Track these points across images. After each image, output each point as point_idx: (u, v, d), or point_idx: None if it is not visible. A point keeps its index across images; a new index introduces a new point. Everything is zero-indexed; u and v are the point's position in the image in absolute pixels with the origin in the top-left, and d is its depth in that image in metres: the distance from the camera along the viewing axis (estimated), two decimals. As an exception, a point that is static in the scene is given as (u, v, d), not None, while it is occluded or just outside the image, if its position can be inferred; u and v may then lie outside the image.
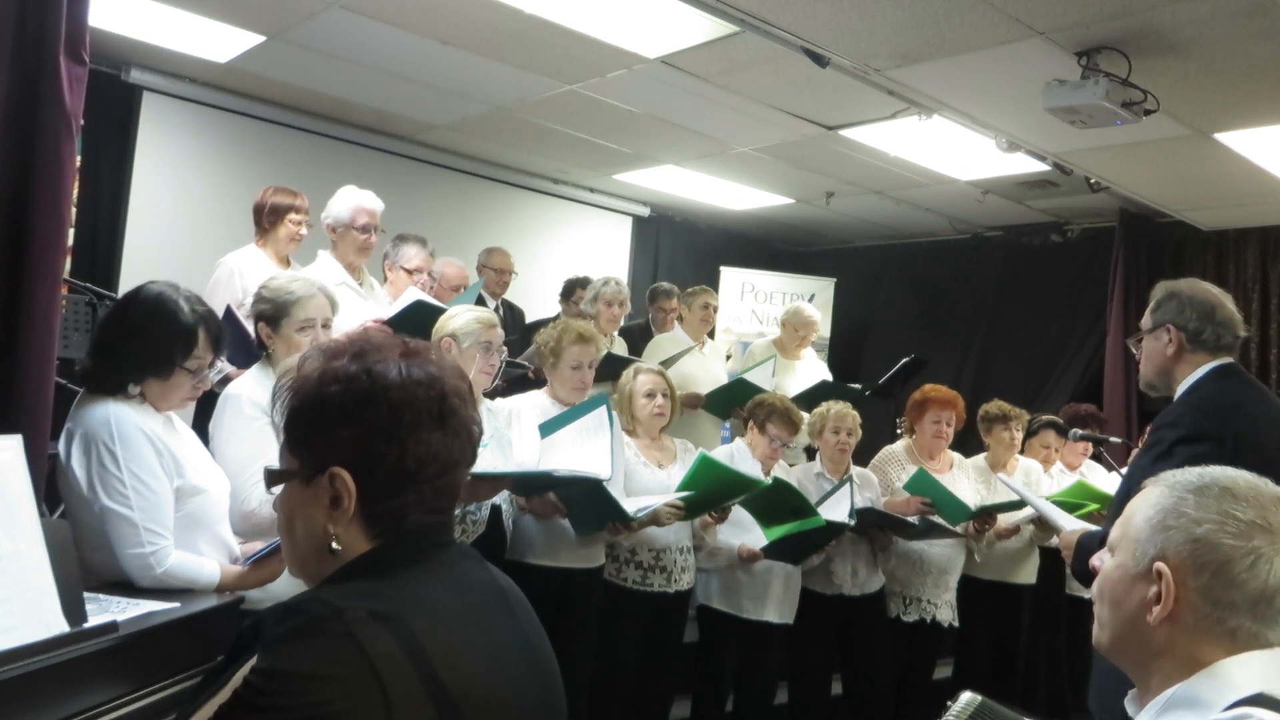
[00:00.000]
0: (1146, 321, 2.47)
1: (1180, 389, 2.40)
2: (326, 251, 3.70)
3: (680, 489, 3.20)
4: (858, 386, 4.90)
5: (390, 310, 3.44)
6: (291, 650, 1.00)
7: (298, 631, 1.01)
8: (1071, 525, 2.72)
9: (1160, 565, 1.14)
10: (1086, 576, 2.89)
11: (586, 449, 2.96)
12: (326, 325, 2.58)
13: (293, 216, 3.84)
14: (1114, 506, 2.49)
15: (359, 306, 3.54)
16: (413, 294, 3.45)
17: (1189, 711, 1.10)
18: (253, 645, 1.03)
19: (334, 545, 1.13)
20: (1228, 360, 2.40)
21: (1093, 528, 2.69)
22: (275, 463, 1.19)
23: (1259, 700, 1.06)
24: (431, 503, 1.16)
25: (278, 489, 1.18)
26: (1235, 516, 1.12)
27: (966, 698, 1.32)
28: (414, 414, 1.13)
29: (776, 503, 3.43)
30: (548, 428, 3.09)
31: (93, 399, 2.08)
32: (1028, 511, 4.01)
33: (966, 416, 4.31)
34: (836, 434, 3.87)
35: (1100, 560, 1.25)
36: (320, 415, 1.13)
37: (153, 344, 2.10)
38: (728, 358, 5.54)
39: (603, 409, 3.05)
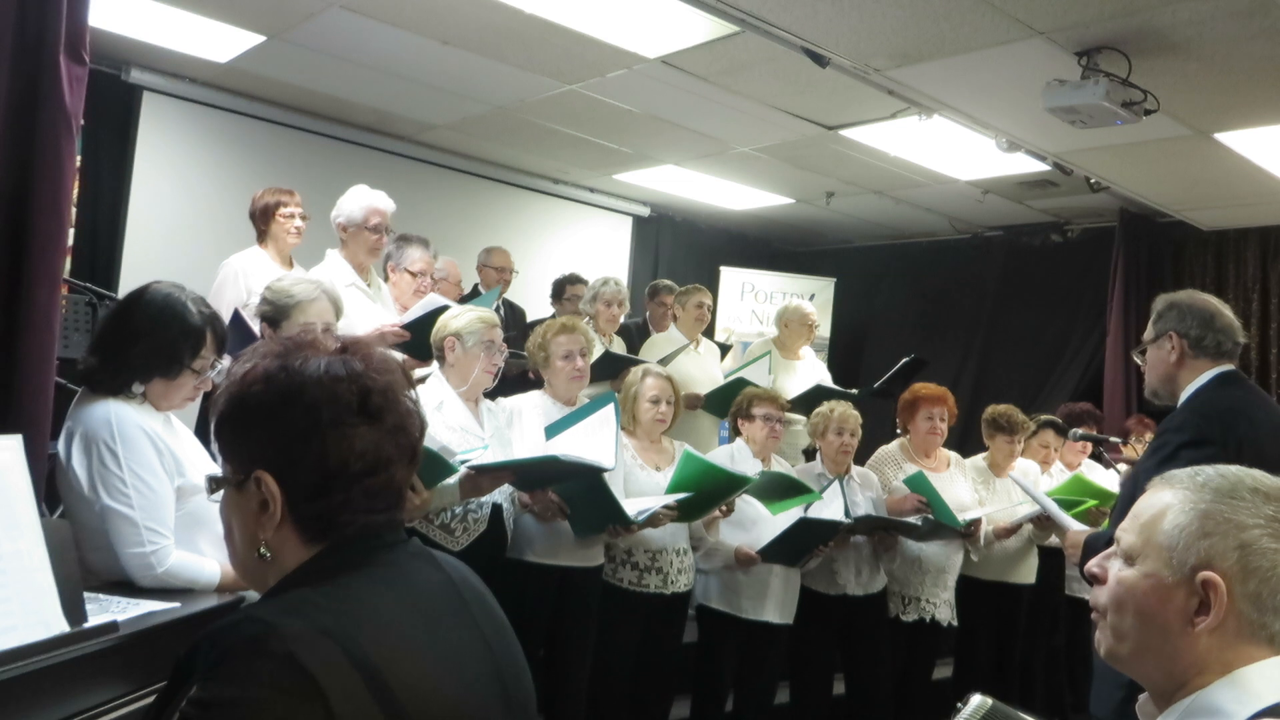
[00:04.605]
0: (1149, 333, 2.55)
1: (1183, 395, 2.47)
2: (336, 251, 3.65)
3: (670, 489, 3.20)
4: (854, 391, 4.90)
5: (409, 315, 3.38)
6: (228, 675, 0.95)
7: (233, 654, 0.96)
8: (1078, 527, 2.74)
9: (1209, 575, 1.07)
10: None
11: (589, 442, 2.96)
12: (328, 330, 2.56)
13: (282, 211, 3.81)
14: (1118, 510, 2.51)
15: (368, 308, 3.51)
16: (434, 300, 3.38)
17: None
18: (190, 675, 0.99)
19: (262, 550, 1.10)
20: (1229, 367, 2.47)
21: (1087, 528, 2.73)
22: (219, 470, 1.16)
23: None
24: (365, 503, 1.11)
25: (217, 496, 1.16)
26: (1276, 519, 1.08)
27: (977, 701, 1.30)
28: (332, 411, 1.08)
29: (772, 488, 3.50)
30: (554, 429, 3.09)
31: (93, 398, 2.07)
32: (1026, 511, 4.02)
33: (964, 415, 4.31)
34: (840, 435, 3.86)
35: (1103, 567, 1.19)
36: (242, 417, 1.10)
37: (161, 345, 2.09)
38: (724, 356, 5.53)
39: (610, 407, 3.06)
